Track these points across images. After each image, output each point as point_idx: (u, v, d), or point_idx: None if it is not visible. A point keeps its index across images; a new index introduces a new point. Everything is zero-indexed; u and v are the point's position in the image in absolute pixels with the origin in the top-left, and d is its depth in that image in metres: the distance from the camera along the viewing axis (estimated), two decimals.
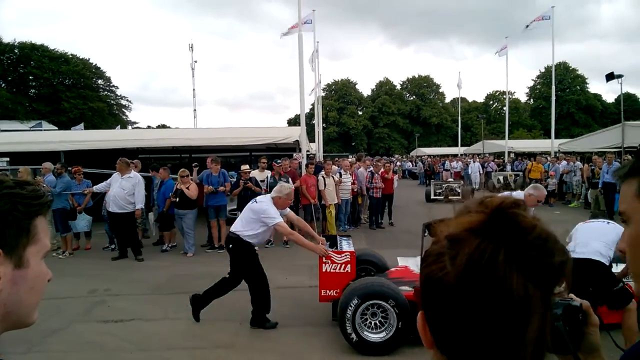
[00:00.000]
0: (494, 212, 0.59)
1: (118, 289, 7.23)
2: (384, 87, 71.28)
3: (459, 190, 18.96)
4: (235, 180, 10.37)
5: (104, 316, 6.05)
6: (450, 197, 18.59)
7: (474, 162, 25.20)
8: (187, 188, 9.43)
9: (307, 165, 11.59)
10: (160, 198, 10.19)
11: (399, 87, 72.94)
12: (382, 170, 12.77)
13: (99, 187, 9.59)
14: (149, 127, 53.81)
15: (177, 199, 9.43)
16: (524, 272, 0.56)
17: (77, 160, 11.99)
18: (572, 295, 0.91)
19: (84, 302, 6.63)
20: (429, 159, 32.88)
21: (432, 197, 19.01)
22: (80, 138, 14.54)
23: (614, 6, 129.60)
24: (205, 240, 10.32)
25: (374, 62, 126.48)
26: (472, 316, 0.56)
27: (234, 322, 5.63)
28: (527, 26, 24.54)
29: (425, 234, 0.69)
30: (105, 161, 12.56)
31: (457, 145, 43.32)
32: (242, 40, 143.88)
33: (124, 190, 9.04)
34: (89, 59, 51.99)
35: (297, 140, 13.36)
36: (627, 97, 56.69)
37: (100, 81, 53.15)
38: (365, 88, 75.43)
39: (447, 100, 72.89)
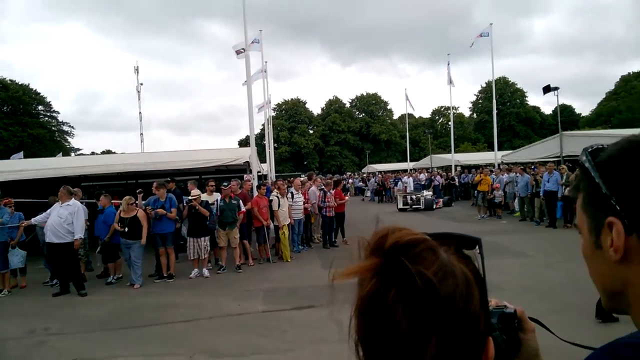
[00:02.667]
0: (387, 255, 0.61)
1: (60, 327, 6.81)
2: (333, 105, 72.18)
3: (424, 200, 21.25)
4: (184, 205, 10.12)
5: (45, 358, 5.66)
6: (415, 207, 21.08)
7: (408, 177, 26.07)
8: (136, 215, 9.09)
9: (258, 187, 11.47)
10: (101, 227, 9.77)
11: (348, 105, 74.06)
12: (333, 189, 12.78)
13: (37, 219, 9.09)
14: (93, 153, 52.05)
15: (126, 229, 9.05)
16: (410, 312, 0.57)
17: (15, 191, 11.38)
18: (505, 302, 0.92)
19: (22, 344, 6.19)
20: (379, 175, 33.38)
21: (401, 206, 21.32)
22: (19, 167, 13.78)
23: (545, 21, 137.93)
24: (153, 270, 9.93)
25: (322, 81, 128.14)
26: (372, 347, 0.61)
27: (184, 356, 5.39)
28: (472, 45, 25.63)
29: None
30: (46, 191, 11.95)
31: (406, 161, 44.26)
32: (184, 61, 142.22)
33: (62, 218, 8.60)
34: (29, 84, 50.04)
35: (247, 162, 13.23)
36: (564, 109, 59.88)
37: (40, 107, 51.15)
38: (315, 107, 76.23)
39: (395, 116, 74.63)
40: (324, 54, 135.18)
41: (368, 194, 33.02)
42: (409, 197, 22.05)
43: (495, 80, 28.40)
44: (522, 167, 17.91)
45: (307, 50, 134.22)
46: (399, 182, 26.34)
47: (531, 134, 63.52)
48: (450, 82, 29.77)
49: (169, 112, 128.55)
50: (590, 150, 0.74)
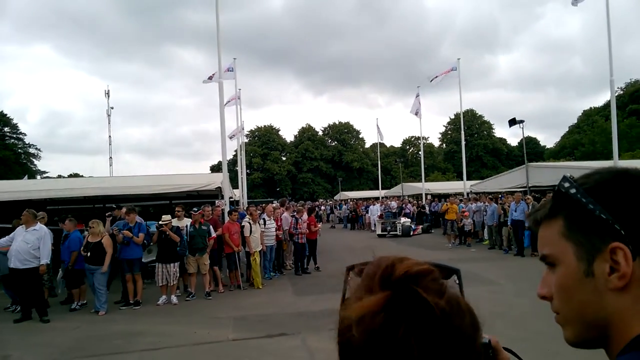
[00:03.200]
0: (397, 287, 0.59)
1: (20, 355, 6.52)
2: (306, 133, 72.72)
3: (401, 227, 22.06)
4: (154, 231, 9.94)
5: None
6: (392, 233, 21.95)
7: (373, 205, 26.59)
8: (100, 241, 8.87)
9: (229, 213, 11.37)
10: (65, 252, 9.49)
11: (321, 133, 74.72)
12: (306, 216, 12.76)
13: (3, 242, 8.77)
14: (59, 176, 50.78)
15: (88, 254, 8.81)
16: (424, 344, 0.56)
17: None
18: None
19: None
20: (350, 203, 33.56)
21: (380, 232, 22.28)
22: None
23: (509, 57, 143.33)
24: (119, 296, 9.65)
25: (294, 109, 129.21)
26: None
27: None
28: (434, 78, 26.24)
29: (349, 277, 0.68)
30: (9, 214, 11.57)
31: (378, 188, 44.65)
32: (155, 86, 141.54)
33: (28, 244, 8.32)
34: None
35: (219, 187, 13.15)
36: (529, 141, 61.79)
37: (6, 129, 49.83)
38: (289, 134, 76.54)
39: (367, 145, 75.57)
40: (296, 82, 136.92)
41: (335, 219, 33.65)
42: (387, 224, 22.78)
43: (463, 112, 29.23)
44: (490, 196, 18.32)
45: (279, 78, 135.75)
46: (369, 209, 26.69)
47: (498, 164, 65.32)
48: (417, 113, 30.36)
49: (140, 136, 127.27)
50: (569, 177, 0.75)
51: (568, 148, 57.20)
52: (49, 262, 8.73)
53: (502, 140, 71.24)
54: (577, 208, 0.72)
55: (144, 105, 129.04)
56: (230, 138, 24.80)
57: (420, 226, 23.42)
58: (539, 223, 0.80)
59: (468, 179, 28.13)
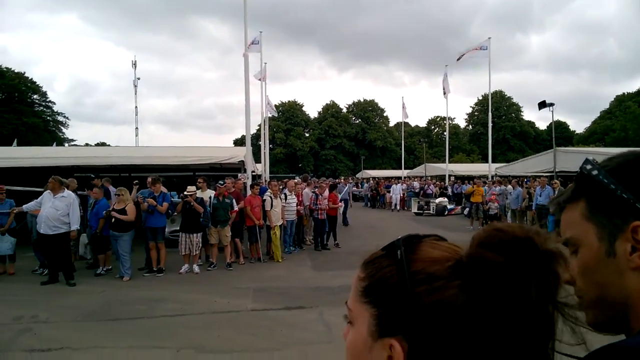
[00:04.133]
0: (527, 243, 0.60)
1: (46, 315, 6.76)
2: (330, 109, 72.36)
3: (435, 206, 22.75)
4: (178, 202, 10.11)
5: (30, 345, 5.61)
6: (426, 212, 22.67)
7: (396, 184, 26.48)
8: (125, 209, 9.06)
9: (252, 186, 11.46)
10: (93, 219, 9.73)
11: (345, 110, 74.24)
12: (327, 193, 12.76)
13: (28, 207, 9.04)
14: (87, 144, 51.79)
15: (113, 220, 9.03)
16: (555, 305, 0.60)
17: (7, 178, 11.29)
18: None
19: (8, 330, 6.13)
20: (372, 182, 33.43)
21: (417, 211, 22.91)
22: (11, 155, 13.71)
23: (542, 37, 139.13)
24: (143, 263, 9.89)
25: (318, 85, 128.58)
26: (490, 345, 0.57)
27: (171, 349, 5.38)
28: (461, 56, 25.62)
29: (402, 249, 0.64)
30: (38, 180, 11.89)
31: (400, 168, 44.36)
32: (180, 58, 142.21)
33: (58, 210, 8.55)
34: (24, 72, 49.72)
35: (242, 161, 13.23)
36: (558, 125, 60.38)
37: (35, 96, 50.76)
38: (312, 110, 76.35)
39: (391, 124, 74.88)
40: (321, 57, 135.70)
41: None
42: (423, 202, 23.81)
43: (491, 94, 28.62)
44: (516, 180, 18.04)
45: (304, 53, 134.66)
46: (391, 188, 26.62)
47: (525, 148, 64.11)
48: (446, 93, 29.89)
49: (164, 108, 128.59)
50: (592, 160, 0.75)
51: (598, 134, 55.84)
52: (79, 228, 8.99)
53: (531, 124, 69.76)
54: (599, 189, 0.72)
55: (168, 77, 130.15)
56: (259, 80, 24.24)
57: (460, 207, 23.30)
58: (563, 208, 0.80)
59: (493, 161, 27.71)
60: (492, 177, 24.04)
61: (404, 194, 26.53)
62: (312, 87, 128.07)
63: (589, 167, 0.74)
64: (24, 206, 9.15)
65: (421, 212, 22.93)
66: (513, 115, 68.15)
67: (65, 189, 8.91)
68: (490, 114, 26.84)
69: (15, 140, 26.68)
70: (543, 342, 0.59)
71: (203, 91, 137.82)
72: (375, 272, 0.66)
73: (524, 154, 54.58)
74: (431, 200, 23.46)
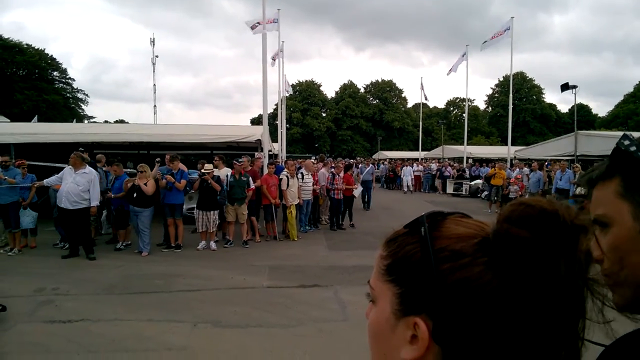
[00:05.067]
0: (557, 216, 0.57)
1: (67, 288, 6.92)
2: (347, 90, 71.80)
3: (468, 187, 23.67)
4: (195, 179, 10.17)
5: (50, 316, 5.76)
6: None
7: (406, 166, 26.33)
8: (145, 184, 9.17)
9: (268, 165, 11.49)
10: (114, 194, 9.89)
11: (362, 90, 73.59)
12: (343, 172, 12.74)
13: (49, 181, 9.20)
14: (106, 122, 52.27)
15: (135, 195, 9.15)
16: (585, 282, 0.58)
17: (28, 154, 11.46)
18: None
19: (29, 301, 6.30)
20: (387, 163, 33.24)
21: (453, 192, 23.96)
22: (33, 130, 13.87)
23: (565, 18, 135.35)
24: (161, 239, 10.04)
25: (335, 64, 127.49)
26: (518, 323, 0.56)
27: (188, 323, 5.47)
28: (485, 42, 25.08)
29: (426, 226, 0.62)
30: (59, 156, 12.07)
31: (418, 150, 44.04)
32: (197, 36, 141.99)
33: (79, 186, 8.68)
34: (44, 49, 50.14)
35: (259, 140, 13.23)
36: (580, 108, 59.19)
37: (55, 73, 51.26)
38: (329, 90, 75.87)
39: (409, 105, 74.10)
40: (337, 36, 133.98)
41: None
42: (457, 184, 24.58)
43: (512, 75, 28.04)
44: (537, 163, 17.76)
45: (320, 31, 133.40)
46: (403, 170, 26.43)
47: (546, 131, 62.96)
48: (450, 71, 29.49)
49: (181, 86, 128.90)
50: (630, 135, 0.72)
51: (621, 118, 54.56)
52: (98, 204, 9.14)
53: (552, 106, 68.32)
54: (637, 167, 0.69)
55: (185, 55, 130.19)
56: (273, 64, 24.24)
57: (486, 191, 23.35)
58: (594, 183, 0.77)
59: (513, 144, 27.28)
60: (511, 160, 23.73)
61: (420, 176, 26.38)
62: (329, 66, 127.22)
63: (626, 142, 0.71)
64: (44, 181, 9.31)
65: (458, 193, 23.57)
66: (534, 97, 66.78)
67: (87, 165, 9.03)
68: (511, 95, 26.33)
69: (36, 117, 27.06)
70: (572, 320, 0.57)
71: (220, 70, 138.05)
72: (398, 250, 0.64)
73: (544, 137, 53.61)
74: (464, 182, 23.98)
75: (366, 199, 17.19)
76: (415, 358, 0.59)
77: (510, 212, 0.60)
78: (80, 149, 10.66)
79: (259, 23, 14.86)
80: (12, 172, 9.30)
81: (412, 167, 26.67)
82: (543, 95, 68.07)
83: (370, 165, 19.21)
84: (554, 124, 66.17)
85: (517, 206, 0.60)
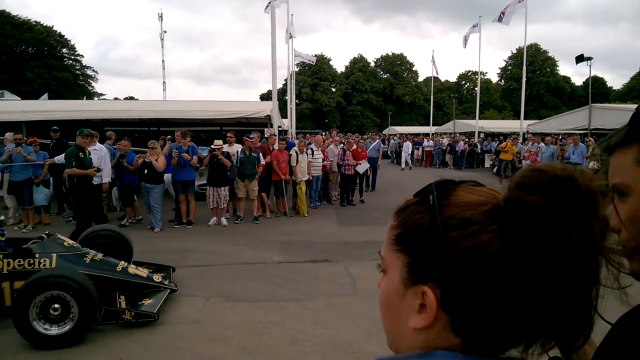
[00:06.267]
0: (571, 181, 0.56)
1: None
2: (357, 64, 70.83)
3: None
4: (205, 155, 10.19)
5: None
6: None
7: (406, 141, 26.21)
8: (156, 161, 9.21)
9: (279, 141, 11.45)
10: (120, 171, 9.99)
11: (373, 64, 72.64)
12: (354, 147, 12.67)
13: (60, 158, 9.26)
14: (116, 98, 52.33)
15: (146, 172, 9.21)
16: (599, 249, 0.56)
17: (39, 131, 11.54)
18: None
19: None
20: (397, 138, 33.00)
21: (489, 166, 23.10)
22: (43, 108, 13.96)
23: None
24: (173, 216, 10.13)
25: (343, 37, 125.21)
26: (528, 292, 0.55)
27: (200, 297, 5.56)
28: (501, 15, 24.51)
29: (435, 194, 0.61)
30: (69, 133, 12.13)
31: (429, 124, 43.65)
32: (203, 10, 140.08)
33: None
34: (53, 26, 49.98)
35: (268, 115, 13.19)
36: (595, 81, 57.88)
37: (64, 50, 51.13)
38: (338, 64, 74.93)
39: (420, 79, 73.13)
40: (345, 7, 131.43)
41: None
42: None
43: (526, 47, 27.46)
44: (551, 137, 17.55)
45: (327, 2, 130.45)
46: (403, 146, 26.08)
47: (559, 104, 61.85)
48: (466, 42, 29.00)
49: (189, 62, 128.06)
50: None
51: (637, 90, 53.48)
52: (110, 180, 9.22)
53: (566, 79, 66.87)
54: None
55: (192, 30, 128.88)
56: (288, 40, 23.83)
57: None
58: (612, 150, 0.75)
59: (525, 118, 26.93)
60: (524, 134, 23.45)
61: (431, 151, 26.20)
62: (337, 39, 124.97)
63: None
64: (56, 158, 9.39)
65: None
66: (548, 70, 65.38)
67: (97, 142, 9.07)
68: (524, 68, 25.84)
69: (46, 94, 27.15)
70: (585, 288, 0.56)
71: (226, 45, 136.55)
72: (407, 219, 0.64)
73: (557, 110, 52.73)
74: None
75: (370, 180, 15.13)
76: (424, 327, 0.59)
77: (523, 178, 0.58)
78: (55, 127, 10.71)
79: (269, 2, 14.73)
80: (25, 150, 9.39)
81: (423, 142, 26.41)
82: (557, 68, 66.65)
83: (377, 140, 16.81)
84: (567, 97, 64.92)
85: (529, 172, 0.58)
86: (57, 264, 4.83)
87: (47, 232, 5.91)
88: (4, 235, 5.25)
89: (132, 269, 5.33)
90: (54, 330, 4.33)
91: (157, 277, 5.52)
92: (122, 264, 5.29)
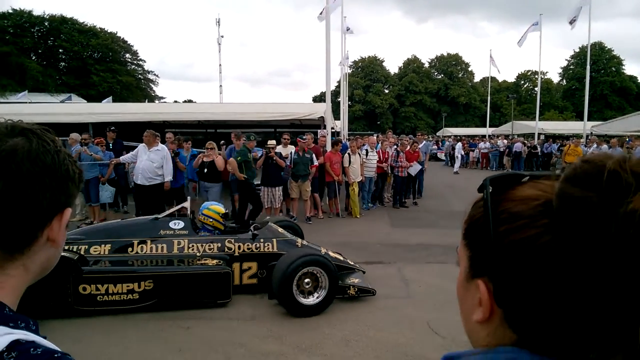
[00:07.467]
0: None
1: None
2: (411, 65, 70.01)
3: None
4: (260, 155, 10.40)
5: None
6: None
7: (455, 142, 25.43)
8: (214, 160, 9.51)
9: (334, 144, 11.47)
10: (188, 170, 10.41)
11: (427, 65, 71.55)
12: (407, 148, 12.53)
13: (125, 158, 9.74)
14: (175, 101, 54.28)
15: (205, 170, 9.54)
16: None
17: (104, 133, 12.16)
18: None
19: None
20: (452, 140, 32.32)
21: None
22: (108, 110, 14.70)
23: None
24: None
25: (396, 37, 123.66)
26: (578, 289, 0.53)
27: (257, 295, 5.68)
28: (573, 20, 23.49)
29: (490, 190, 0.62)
30: (132, 134, 12.71)
31: (485, 126, 42.49)
32: (254, 14, 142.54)
33: (153, 163, 9.10)
34: (117, 32, 52.51)
35: (322, 117, 13.26)
36: None
37: (127, 55, 53.62)
38: (392, 65, 74.25)
39: (476, 79, 71.30)
40: (398, 8, 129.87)
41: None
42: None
43: (590, 45, 26.20)
44: (616, 139, 16.68)
45: (380, 2, 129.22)
46: (455, 147, 25.38)
47: (625, 105, 58.42)
48: (520, 42, 27.91)
49: (244, 65, 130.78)
50: None
51: None
52: (171, 179, 9.58)
53: (633, 79, 63.11)
54: None
55: (246, 34, 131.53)
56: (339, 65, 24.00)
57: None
58: None
59: (589, 119, 25.68)
60: (587, 136, 22.37)
61: (487, 153, 25.51)
62: (391, 40, 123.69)
63: None
64: (121, 157, 9.87)
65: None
66: (613, 69, 61.98)
67: (159, 142, 9.45)
68: (588, 67, 24.67)
69: (110, 97, 28.55)
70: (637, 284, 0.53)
71: (279, 48, 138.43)
72: (471, 214, 0.65)
73: (623, 112, 49.86)
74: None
75: (417, 185, 13.65)
76: (482, 320, 0.60)
77: (571, 171, 0.56)
78: (112, 127, 11.28)
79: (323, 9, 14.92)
80: (92, 150, 9.94)
81: (479, 144, 25.76)
82: (623, 67, 63.06)
83: (424, 141, 15.60)
84: (634, 97, 61.21)
85: (578, 164, 0.57)
86: (278, 247, 5.74)
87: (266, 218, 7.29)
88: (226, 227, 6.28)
89: (331, 252, 6.01)
90: (312, 300, 5.12)
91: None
92: (322, 248, 5.99)
